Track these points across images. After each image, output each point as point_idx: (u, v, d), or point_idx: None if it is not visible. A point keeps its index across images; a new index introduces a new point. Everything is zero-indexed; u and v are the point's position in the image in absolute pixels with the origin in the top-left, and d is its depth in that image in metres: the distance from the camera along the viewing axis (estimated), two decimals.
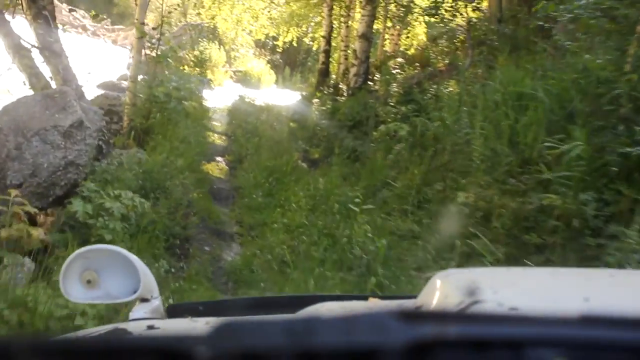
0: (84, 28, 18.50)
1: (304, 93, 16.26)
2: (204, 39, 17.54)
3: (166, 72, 6.83)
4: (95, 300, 1.27)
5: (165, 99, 6.31)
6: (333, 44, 18.13)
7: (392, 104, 10.77)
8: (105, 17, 19.94)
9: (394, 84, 11.19)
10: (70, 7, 19.09)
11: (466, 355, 0.45)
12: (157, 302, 1.29)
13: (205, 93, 12.03)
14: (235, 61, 21.03)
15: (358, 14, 19.31)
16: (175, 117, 6.18)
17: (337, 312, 0.58)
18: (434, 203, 6.35)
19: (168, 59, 6.87)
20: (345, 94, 13.51)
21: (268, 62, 23.19)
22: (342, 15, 17.83)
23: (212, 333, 0.44)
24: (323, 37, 17.04)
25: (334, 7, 17.13)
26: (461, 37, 12.24)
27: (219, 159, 8.82)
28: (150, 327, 1.06)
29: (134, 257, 1.25)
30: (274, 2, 18.43)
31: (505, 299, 0.68)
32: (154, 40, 6.45)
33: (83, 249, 1.25)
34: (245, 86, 18.93)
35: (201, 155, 8.11)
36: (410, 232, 6.12)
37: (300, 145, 10.13)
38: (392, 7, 16.13)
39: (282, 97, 17.60)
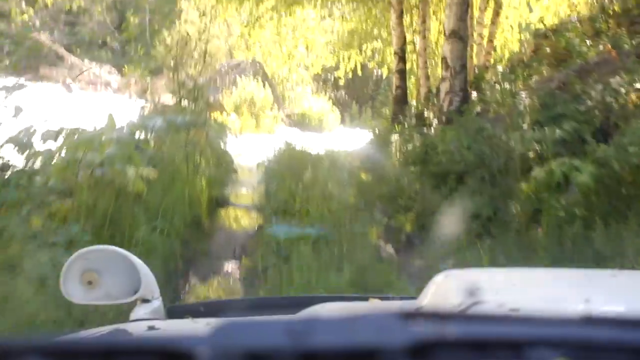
0: (108, 84, 16.02)
1: (377, 130, 12.10)
2: (244, 76, 13.96)
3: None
4: (96, 301, 1.26)
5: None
6: (407, 65, 14.00)
7: (524, 126, 6.34)
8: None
9: (523, 94, 6.75)
10: (95, 64, 16.80)
11: (467, 356, 0.44)
12: (157, 303, 1.26)
13: (231, 143, 8.13)
14: (289, 102, 17.34)
15: (436, 22, 15.18)
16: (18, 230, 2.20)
17: (338, 312, 0.60)
18: None
19: None
20: (434, 123, 9.21)
21: (330, 99, 19.30)
22: (415, 25, 13.80)
23: (213, 333, 0.44)
24: (395, 53, 12.89)
25: (404, 13, 13.03)
26: (615, 7, 7.66)
27: (230, 268, 4.71)
28: (151, 328, 1.04)
29: (134, 258, 1.23)
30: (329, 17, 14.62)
31: (506, 300, 0.68)
32: None
33: (83, 249, 1.23)
34: (303, 130, 15.12)
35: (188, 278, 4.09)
36: None
37: (377, 216, 5.85)
38: None
39: (349, 139, 13.68)
